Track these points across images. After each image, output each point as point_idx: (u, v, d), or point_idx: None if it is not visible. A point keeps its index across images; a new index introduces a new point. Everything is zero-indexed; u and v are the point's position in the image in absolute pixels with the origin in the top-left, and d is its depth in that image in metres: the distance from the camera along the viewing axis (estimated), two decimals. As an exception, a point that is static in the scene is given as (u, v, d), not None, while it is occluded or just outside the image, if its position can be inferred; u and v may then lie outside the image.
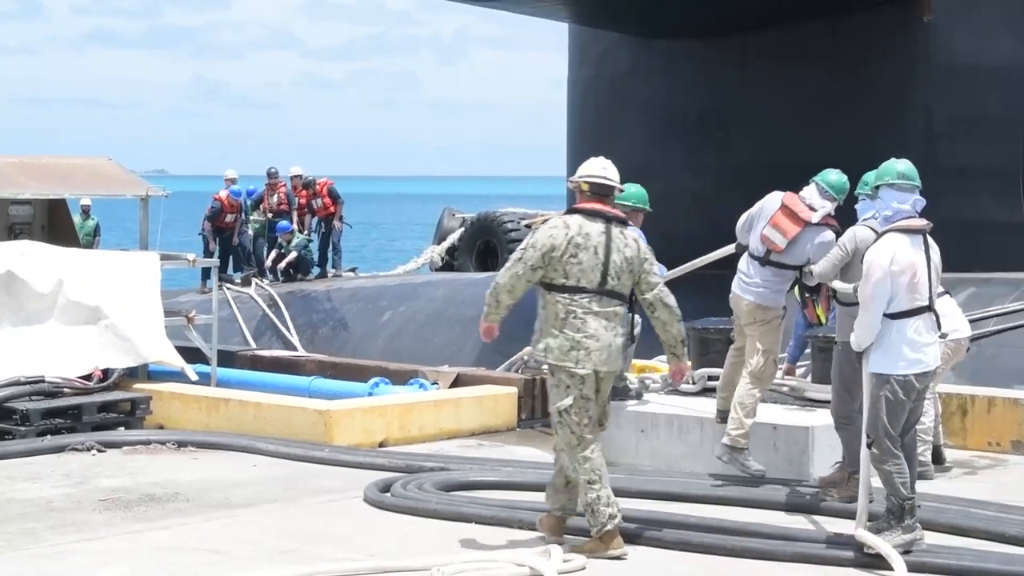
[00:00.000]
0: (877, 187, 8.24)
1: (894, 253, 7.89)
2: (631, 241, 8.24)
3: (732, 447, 9.50)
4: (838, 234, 9.29)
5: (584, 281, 8.10)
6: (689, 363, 9.83)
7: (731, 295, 9.78)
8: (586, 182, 8.33)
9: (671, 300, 8.26)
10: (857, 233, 8.89)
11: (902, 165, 8.23)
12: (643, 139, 19.29)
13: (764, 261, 9.59)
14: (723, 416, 9.93)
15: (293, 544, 8.26)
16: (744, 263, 9.74)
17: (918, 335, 7.90)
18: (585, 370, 8.08)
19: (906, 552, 7.69)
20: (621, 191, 8.61)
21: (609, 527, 7.97)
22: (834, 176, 9.71)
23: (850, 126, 16.76)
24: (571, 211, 8.31)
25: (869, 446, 7.86)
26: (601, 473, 8.09)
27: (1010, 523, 8.42)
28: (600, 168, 8.38)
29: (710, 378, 11.08)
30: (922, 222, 8.10)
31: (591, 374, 8.11)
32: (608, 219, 8.23)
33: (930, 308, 7.98)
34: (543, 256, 8.11)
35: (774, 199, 9.71)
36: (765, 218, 9.64)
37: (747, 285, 9.64)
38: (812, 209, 9.56)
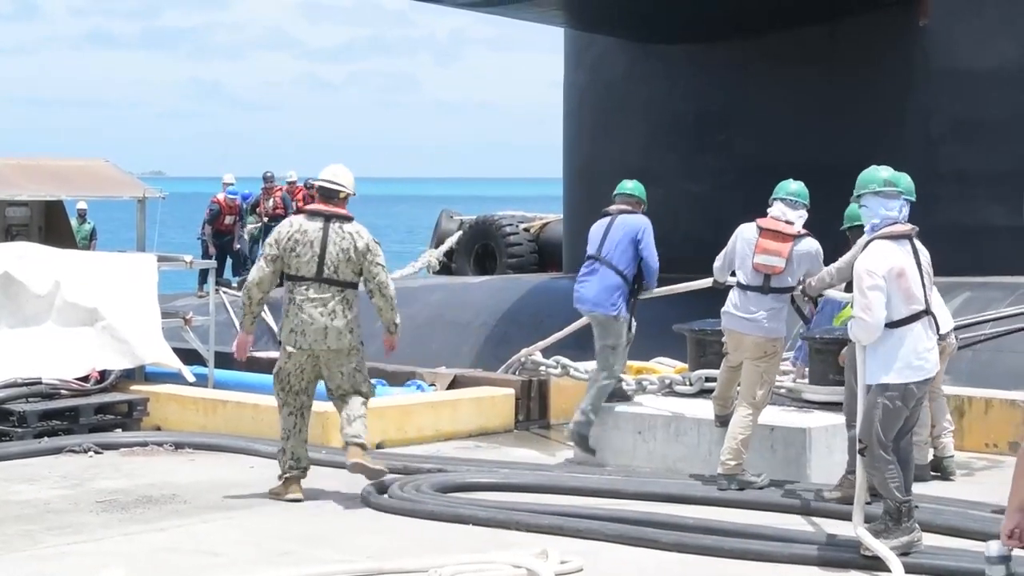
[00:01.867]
0: (860, 195, 8.20)
1: (884, 261, 7.86)
2: (351, 236, 9.56)
3: (732, 475, 9.47)
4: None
5: (303, 271, 9.51)
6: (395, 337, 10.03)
7: (728, 331, 9.70)
8: (317, 185, 9.91)
9: (389, 291, 9.63)
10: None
11: (885, 172, 8.23)
12: (641, 143, 19.31)
13: (766, 289, 9.50)
14: (722, 420, 9.97)
15: (290, 546, 8.26)
16: (738, 298, 9.61)
17: (918, 341, 7.89)
18: (293, 348, 9.63)
19: (904, 554, 7.69)
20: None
21: (289, 475, 9.61)
22: (794, 185, 9.75)
23: (849, 130, 16.78)
24: (297, 211, 9.43)
25: (861, 452, 7.86)
26: (288, 431, 9.71)
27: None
28: (330, 174, 9.76)
29: (707, 379, 11.09)
30: (908, 227, 8.09)
31: (300, 352, 9.62)
32: (327, 217, 9.58)
33: (927, 312, 7.97)
34: (276, 249, 9.65)
35: (748, 229, 9.67)
36: (747, 250, 9.58)
37: (750, 321, 9.52)
38: (790, 223, 9.57)
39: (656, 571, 7.83)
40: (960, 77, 16.23)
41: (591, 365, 12.31)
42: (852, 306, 8.18)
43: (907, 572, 7.51)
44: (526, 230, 23.76)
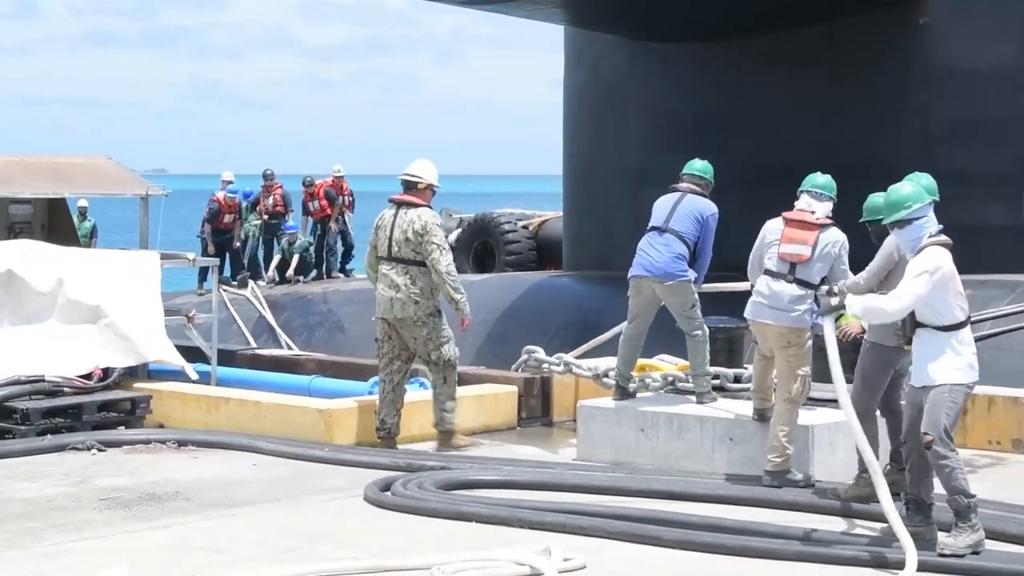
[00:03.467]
0: (909, 207, 8.29)
1: (946, 262, 8.11)
2: (413, 220, 11.05)
3: (779, 472, 9.48)
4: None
5: (380, 251, 11.17)
6: (468, 314, 11.37)
7: (752, 322, 9.70)
8: (400, 178, 11.38)
9: (439, 268, 10.99)
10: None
11: (927, 179, 8.52)
12: (640, 142, 19.32)
13: (791, 278, 9.50)
14: (760, 415, 10.03)
15: (293, 543, 8.27)
16: (765, 286, 9.61)
17: (971, 344, 8.18)
18: (376, 316, 11.25)
19: (975, 553, 7.79)
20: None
21: (379, 437, 11.22)
22: (821, 178, 9.75)
23: (847, 129, 16.79)
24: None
25: (928, 446, 7.97)
26: (382, 396, 11.25)
27: (1011, 522, 8.44)
28: (409, 168, 11.35)
29: (714, 377, 11.10)
30: (947, 238, 8.36)
31: (380, 320, 11.21)
32: (399, 204, 11.21)
33: (969, 318, 8.28)
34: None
35: (774, 222, 9.70)
36: (773, 240, 9.60)
37: (773, 309, 9.52)
38: (815, 214, 9.60)
39: (659, 568, 7.84)
40: (959, 76, 16.25)
41: (593, 363, 12.34)
42: (848, 311, 8.33)
43: (920, 571, 7.55)
44: (525, 228, 23.77)
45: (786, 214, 9.70)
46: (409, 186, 11.31)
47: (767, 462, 9.55)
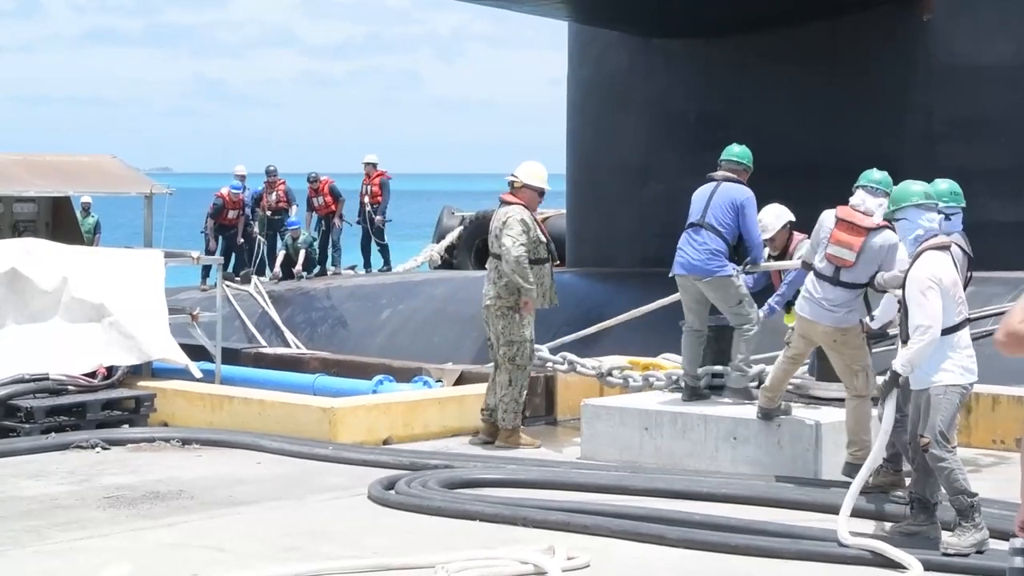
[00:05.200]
0: (899, 209, 8.36)
1: (940, 270, 8.11)
2: (501, 216, 11.57)
3: (858, 464, 9.32)
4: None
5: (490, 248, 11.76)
6: (532, 299, 11.46)
7: (798, 316, 9.61)
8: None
9: (509, 257, 11.32)
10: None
11: (918, 186, 8.50)
12: (643, 139, 19.31)
13: (835, 281, 9.41)
14: (765, 414, 10.01)
15: (297, 542, 8.27)
16: (812, 283, 9.52)
17: (968, 346, 8.19)
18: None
19: (979, 551, 7.80)
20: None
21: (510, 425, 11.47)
22: (878, 174, 9.59)
23: (850, 126, 16.77)
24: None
25: (924, 449, 8.01)
26: (489, 382, 11.66)
27: (1014, 520, 8.42)
28: (515, 169, 11.75)
29: (713, 375, 11.09)
30: (946, 239, 8.38)
31: (482, 311, 11.67)
32: (500, 203, 11.72)
33: (969, 319, 8.30)
34: None
35: (828, 217, 9.52)
36: (823, 238, 9.48)
37: (821, 309, 9.42)
38: (868, 214, 9.40)
39: (663, 567, 7.83)
40: (962, 73, 16.23)
41: (597, 361, 12.34)
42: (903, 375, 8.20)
43: (926, 570, 7.56)
44: (527, 224, 23.72)
45: (839, 211, 9.49)
46: (510, 186, 11.74)
47: (848, 455, 9.48)
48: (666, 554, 8.05)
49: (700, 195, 10.91)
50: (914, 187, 8.48)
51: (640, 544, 8.18)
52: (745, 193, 10.75)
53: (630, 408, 10.91)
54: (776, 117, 17.69)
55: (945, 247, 8.29)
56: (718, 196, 10.75)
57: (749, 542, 8.06)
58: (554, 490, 9.54)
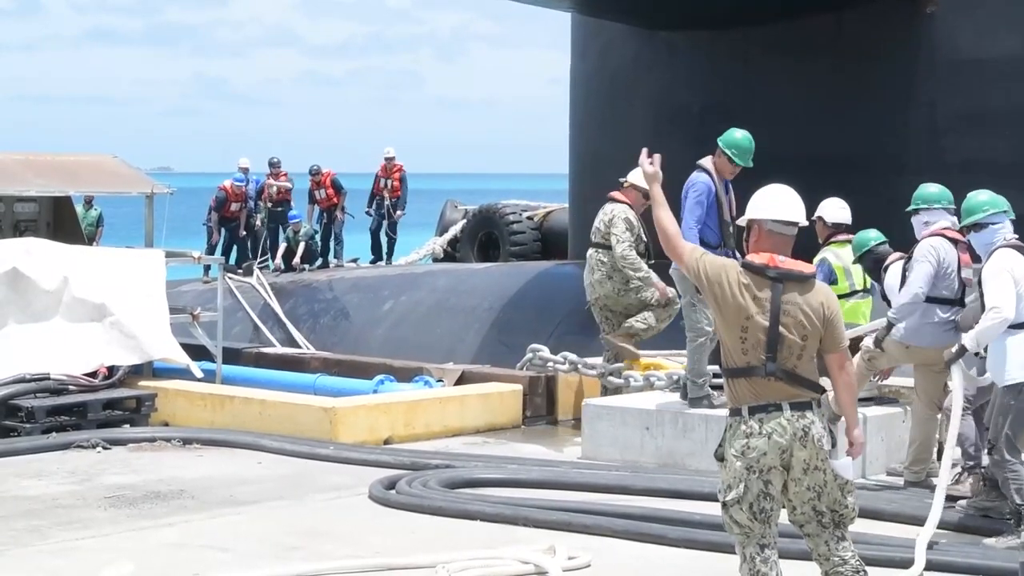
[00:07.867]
0: (986, 211, 8.54)
1: (1017, 264, 8.22)
2: (606, 213, 12.35)
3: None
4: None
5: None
6: (655, 283, 12.16)
7: (916, 349, 9.45)
8: None
9: (616, 252, 12.06)
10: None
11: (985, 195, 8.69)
12: (646, 132, 19.23)
13: (963, 303, 9.27)
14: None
15: (298, 541, 8.28)
16: (937, 310, 9.34)
17: None
18: None
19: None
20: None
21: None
22: (941, 190, 9.66)
23: (854, 119, 16.72)
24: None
25: (990, 452, 8.05)
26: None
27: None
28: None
29: (715, 375, 11.05)
30: (1017, 241, 8.46)
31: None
32: (609, 200, 12.32)
33: None
34: None
35: (944, 246, 9.40)
36: (950, 266, 9.35)
37: (947, 333, 9.28)
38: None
39: (663, 567, 7.83)
40: (966, 67, 16.17)
41: (598, 360, 12.32)
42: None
43: (928, 569, 7.52)
44: (529, 218, 23.71)
45: (950, 233, 9.40)
46: (620, 185, 12.39)
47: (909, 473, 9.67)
48: (667, 554, 8.05)
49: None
50: (983, 196, 8.63)
51: (641, 544, 8.18)
52: (689, 181, 10.50)
53: (631, 408, 10.88)
54: (780, 109, 17.62)
55: (1019, 247, 8.35)
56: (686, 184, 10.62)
57: (750, 542, 8.02)
58: (555, 490, 9.54)
